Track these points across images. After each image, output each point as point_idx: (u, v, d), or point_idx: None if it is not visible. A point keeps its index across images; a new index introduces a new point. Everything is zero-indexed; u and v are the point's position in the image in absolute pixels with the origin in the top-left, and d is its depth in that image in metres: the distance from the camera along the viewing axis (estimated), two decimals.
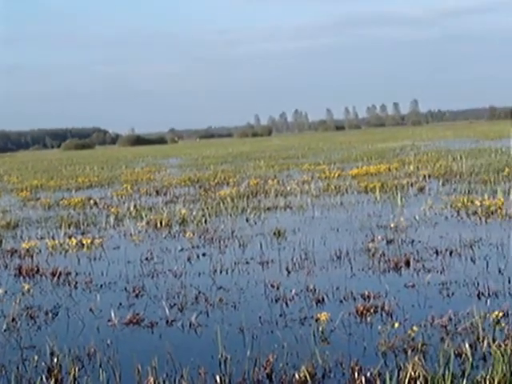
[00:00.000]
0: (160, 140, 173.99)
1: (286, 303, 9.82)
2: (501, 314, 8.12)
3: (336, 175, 29.67)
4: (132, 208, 21.97)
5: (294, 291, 10.28)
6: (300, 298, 10.05)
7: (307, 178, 29.86)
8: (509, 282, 10.16)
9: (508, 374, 6.29)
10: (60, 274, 12.61)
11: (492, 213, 16.40)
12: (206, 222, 18.27)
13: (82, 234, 17.65)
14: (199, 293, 10.57)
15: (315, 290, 10.30)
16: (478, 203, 17.21)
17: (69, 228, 18.79)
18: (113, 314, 9.51)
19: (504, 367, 6.32)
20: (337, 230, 15.85)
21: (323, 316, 8.46)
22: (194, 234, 16.09)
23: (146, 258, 13.70)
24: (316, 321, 8.62)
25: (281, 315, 9.23)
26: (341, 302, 9.73)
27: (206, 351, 7.91)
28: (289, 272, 11.84)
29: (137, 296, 10.81)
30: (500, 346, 6.89)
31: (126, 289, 11.29)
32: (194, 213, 19.62)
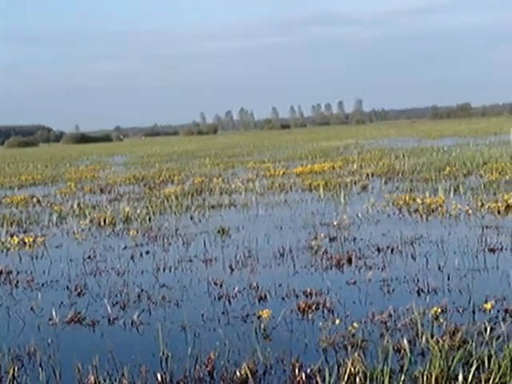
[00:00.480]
0: (105, 138, 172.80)
1: (229, 301, 9.82)
2: (439, 310, 8.23)
3: (281, 173, 29.77)
4: (75, 206, 21.77)
5: (236, 289, 10.27)
6: (243, 295, 10.05)
7: (252, 176, 29.89)
8: (448, 278, 10.29)
9: (445, 369, 6.37)
10: (1, 272, 12.44)
11: (433, 210, 16.60)
12: (150, 220, 18.18)
13: (25, 232, 17.43)
14: (142, 291, 10.51)
15: (258, 288, 10.31)
16: (419, 201, 17.40)
17: (11, 226, 18.54)
18: (54, 313, 9.40)
19: (441, 362, 6.40)
20: (280, 228, 15.90)
21: (265, 313, 8.47)
22: (137, 232, 16.00)
23: (89, 257, 13.58)
24: (258, 318, 8.63)
25: (223, 313, 9.22)
26: (283, 299, 9.76)
27: (148, 349, 7.87)
28: (232, 270, 11.84)
29: (79, 294, 10.71)
30: (438, 341, 6.97)
31: (67, 287, 11.18)
32: (138, 211, 19.51)
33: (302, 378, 6.71)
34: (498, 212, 15.94)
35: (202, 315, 9.10)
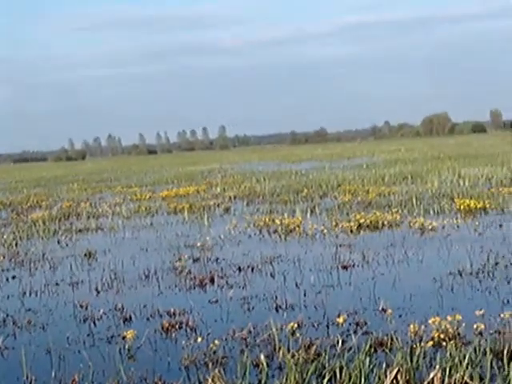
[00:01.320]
0: None
1: (94, 323, 9.63)
2: (296, 325, 8.32)
3: (147, 197, 29.55)
4: None
5: (102, 311, 10.09)
6: (108, 316, 9.88)
7: (119, 200, 29.52)
8: (304, 294, 10.44)
9: (300, 382, 6.43)
10: None
11: (291, 231, 16.84)
12: (16, 244, 17.65)
13: None
14: (7, 316, 10.17)
15: (123, 309, 10.16)
16: (278, 222, 17.61)
17: None
18: None
19: (296, 375, 6.46)
20: (146, 250, 15.75)
21: (129, 334, 8.35)
22: (3, 257, 15.49)
23: None
24: (123, 338, 8.50)
25: (88, 335, 9.03)
26: (147, 319, 9.65)
27: (12, 374, 7.60)
28: (98, 292, 11.63)
29: None
30: (294, 355, 7.04)
31: None
32: (5, 236, 18.92)
33: None
34: (351, 231, 16.32)
35: (68, 338, 8.88)
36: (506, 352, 6.79)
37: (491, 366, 6.50)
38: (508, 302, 9.24)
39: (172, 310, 9.82)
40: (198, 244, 15.56)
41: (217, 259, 13.78)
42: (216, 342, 7.84)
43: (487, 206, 18.73)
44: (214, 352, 7.67)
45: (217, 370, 6.72)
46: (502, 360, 6.68)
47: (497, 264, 11.54)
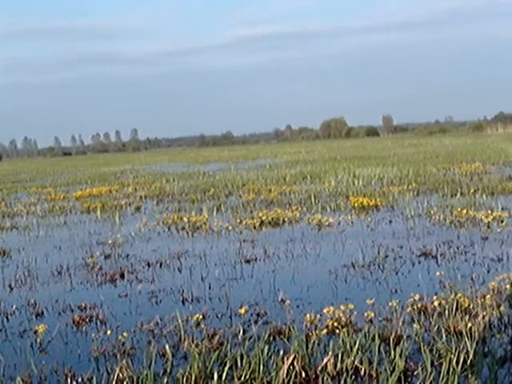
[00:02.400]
0: None
1: (7, 318, 9.37)
2: (201, 317, 8.29)
3: (61, 197, 28.98)
4: None
5: (14, 306, 9.83)
6: (21, 312, 9.63)
7: (34, 200, 28.86)
8: (209, 287, 10.42)
9: (203, 370, 6.40)
10: None
11: (198, 228, 16.79)
12: None
13: None
14: None
15: (36, 304, 9.93)
16: (186, 220, 17.54)
17: None
18: None
19: (200, 364, 6.42)
20: (59, 248, 15.43)
21: (41, 328, 8.16)
22: None
23: None
24: (35, 333, 8.30)
25: (0, 330, 8.78)
26: (59, 314, 9.45)
27: None
28: (11, 288, 11.33)
29: None
30: (198, 345, 7.01)
31: None
32: None
33: None
34: (254, 227, 16.39)
35: None
36: (392, 337, 6.92)
37: (379, 351, 6.62)
38: (396, 291, 9.44)
39: (83, 305, 9.64)
40: (110, 241, 15.35)
41: (127, 255, 13.63)
42: (124, 334, 7.74)
43: (379, 203, 19.10)
44: (123, 343, 7.58)
45: (124, 361, 6.63)
46: (389, 345, 6.80)
47: (386, 257, 11.78)
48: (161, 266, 12.40)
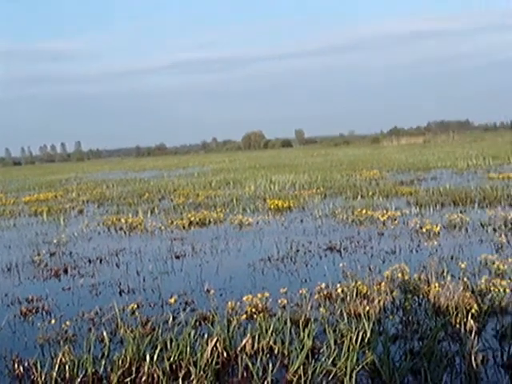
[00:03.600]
0: None
1: None
2: (136, 306, 8.20)
3: (11, 202, 28.20)
4: None
5: None
6: None
7: None
8: (144, 280, 10.31)
9: (137, 353, 6.31)
10: None
11: (134, 228, 16.59)
12: None
13: None
14: None
15: None
16: (123, 221, 17.31)
17: None
18: None
19: (134, 347, 6.33)
20: (9, 247, 15.02)
21: None
22: None
23: None
24: None
25: None
26: (8, 306, 9.19)
27: None
28: None
29: None
30: (133, 331, 6.92)
31: None
32: None
33: (20, 370, 6.34)
34: (183, 227, 16.30)
35: None
36: (302, 321, 6.98)
37: (290, 333, 6.67)
38: (305, 280, 9.52)
39: (30, 297, 9.42)
40: (55, 241, 15.03)
41: (70, 253, 13.36)
42: (67, 322, 7.60)
43: (291, 205, 19.26)
44: (66, 331, 7.42)
45: (67, 347, 6.49)
46: (299, 327, 6.86)
47: (298, 251, 11.88)
48: (101, 262, 12.20)
